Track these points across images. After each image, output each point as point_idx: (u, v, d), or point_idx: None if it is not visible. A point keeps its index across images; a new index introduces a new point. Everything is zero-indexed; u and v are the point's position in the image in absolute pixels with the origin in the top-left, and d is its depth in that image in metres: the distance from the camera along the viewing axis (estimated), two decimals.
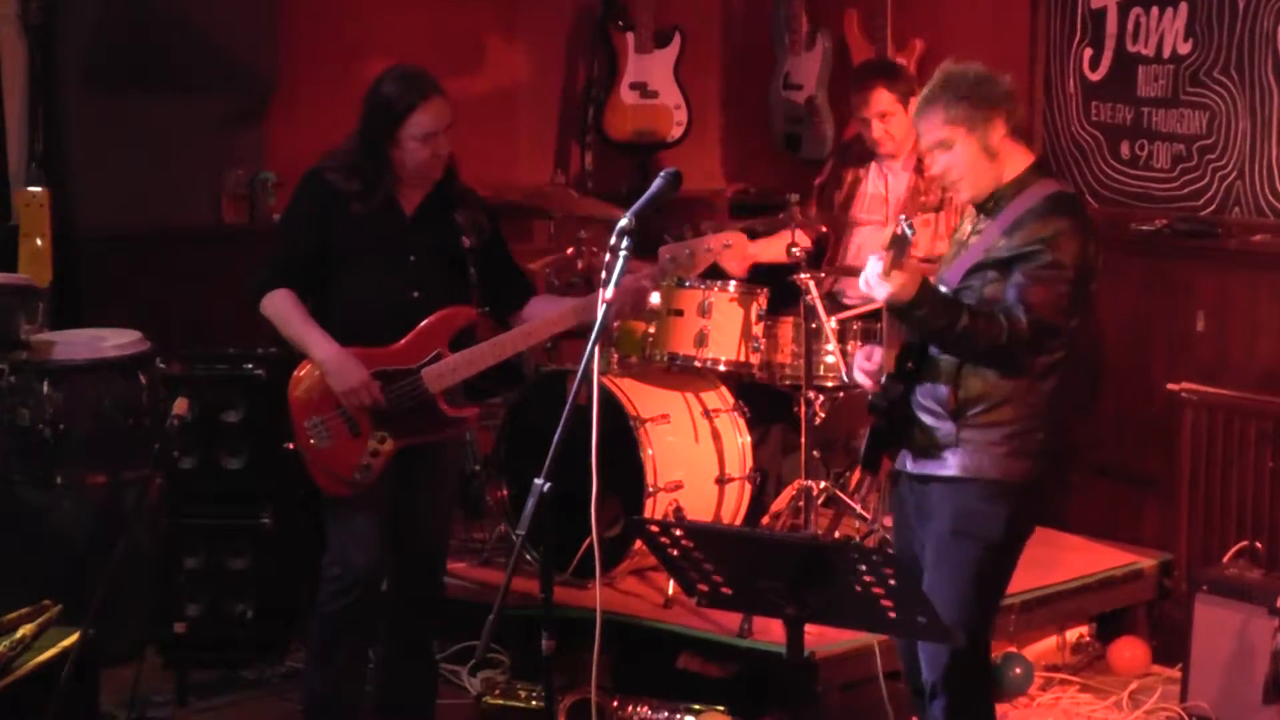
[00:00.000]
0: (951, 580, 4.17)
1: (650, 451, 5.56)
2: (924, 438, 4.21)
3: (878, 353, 4.31)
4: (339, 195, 4.64)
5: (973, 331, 4.04)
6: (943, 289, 4.17)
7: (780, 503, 5.88)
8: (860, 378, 4.35)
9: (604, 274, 3.93)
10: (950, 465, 4.18)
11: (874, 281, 4.05)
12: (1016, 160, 4.19)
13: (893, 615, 3.64)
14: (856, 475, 5.93)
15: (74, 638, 4.43)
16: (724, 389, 5.95)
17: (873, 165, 6.20)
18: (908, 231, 3.99)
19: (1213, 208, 6.06)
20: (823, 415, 5.70)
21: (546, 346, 6.03)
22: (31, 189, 5.98)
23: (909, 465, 4.27)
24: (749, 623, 5.26)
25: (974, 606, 4.20)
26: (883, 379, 4.25)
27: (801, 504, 5.66)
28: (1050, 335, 4.10)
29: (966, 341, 4.08)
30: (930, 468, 4.22)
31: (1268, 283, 5.90)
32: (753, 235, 5.98)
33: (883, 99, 5.98)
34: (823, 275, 6.00)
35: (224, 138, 6.66)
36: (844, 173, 6.30)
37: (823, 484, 5.70)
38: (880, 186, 6.15)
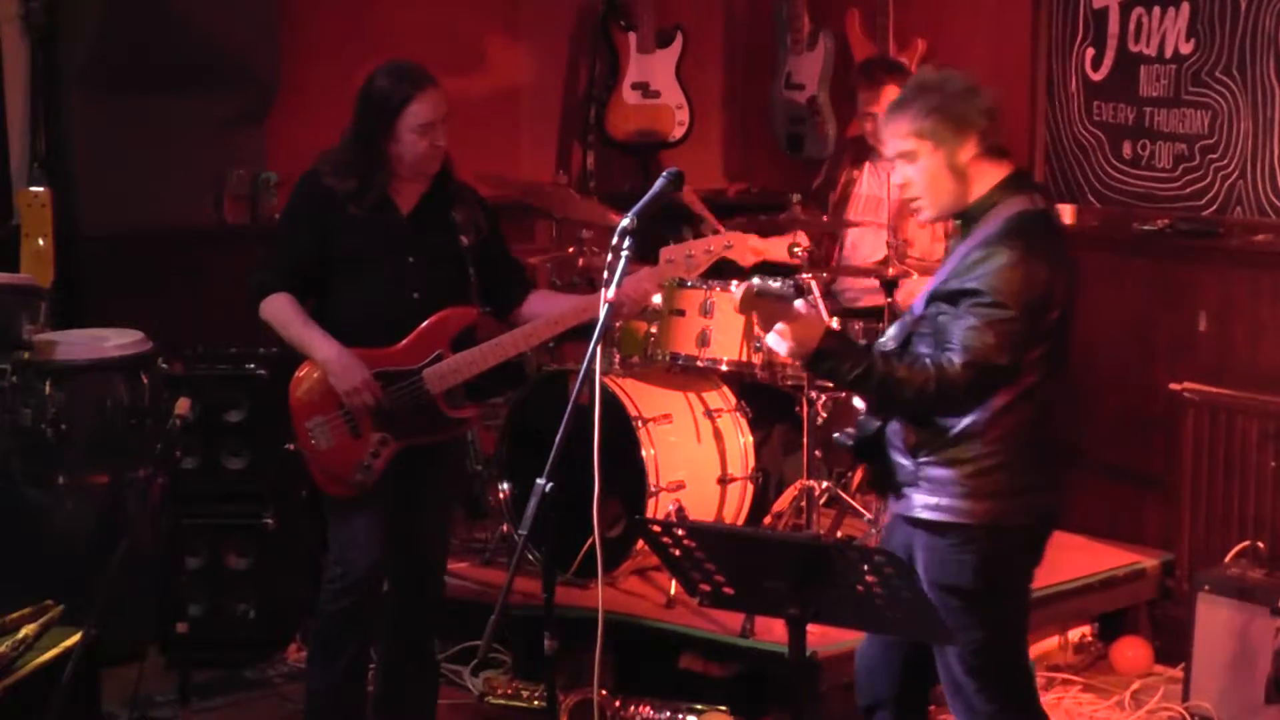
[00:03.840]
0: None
1: (652, 451, 5.57)
2: (893, 476, 4.02)
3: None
4: (336, 197, 4.64)
5: (892, 381, 3.83)
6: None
7: (782, 503, 5.87)
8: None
9: (605, 274, 3.93)
10: (913, 505, 3.97)
11: (772, 341, 3.87)
12: (988, 179, 3.93)
13: (894, 615, 3.64)
14: (858, 475, 5.92)
15: (76, 638, 4.43)
16: (726, 389, 5.95)
17: (867, 166, 6.21)
18: (770, 285, 3.76)
19: (1215, 208, 6.06)
20: (825, 415, 5.69)
21: (548, 346, 6.03)
22: (34, 189, 5.98)
23: (890, 504, 4.11)
24: (751, 623, 5.26)
25: (975, 658, 3.98)
26: (860, 415, 4.10)
27: (804, 504, 5.66)
28: (992, 376, 3.83)
29: (888, 392, 3.86)
30: (901, 507, 4.04)
31: (1270, 282, 5.90)
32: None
33: (893, 95, 5.96)
34: (825, 275, 6.01)
35: (226, 137, 6.66)
36: (838, 174, 6.30)
37: (825, 484, 5.70)
38: (876, 188, 6.15)
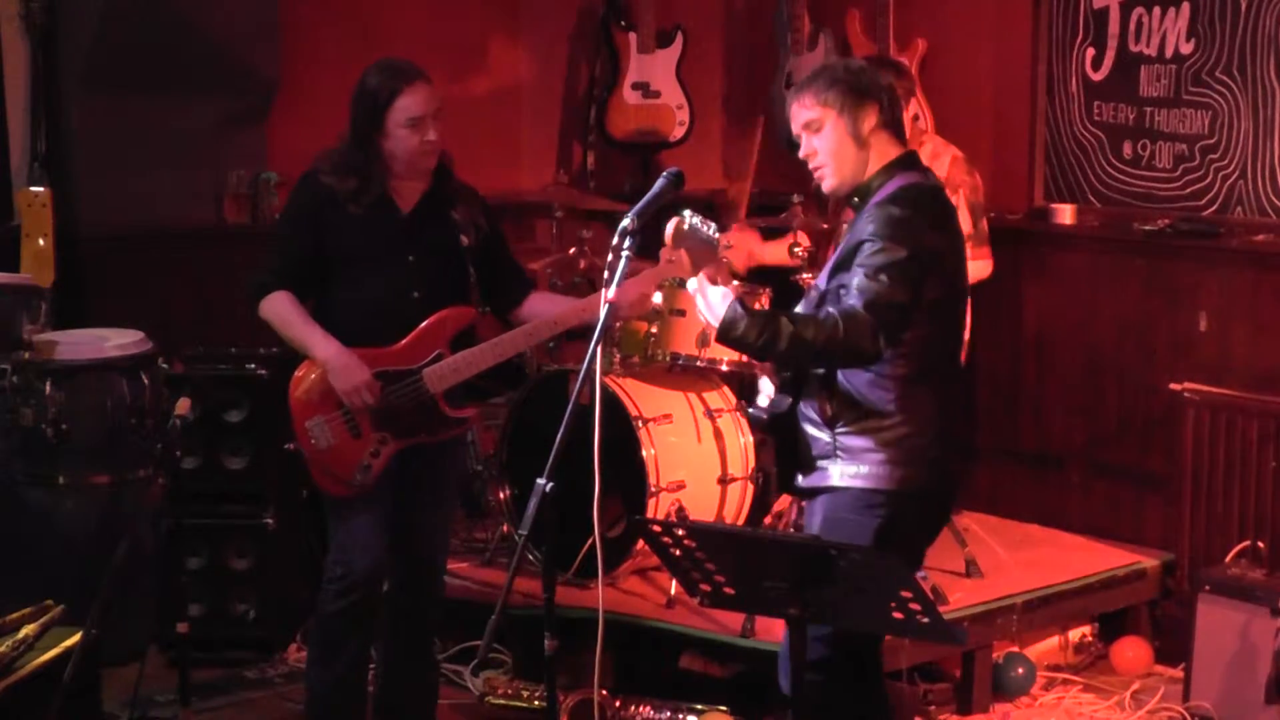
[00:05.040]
0: None
1: (652, 451, 5.56)
2: (807, 451, 4.10)
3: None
4: (335, 197, 4.64)
5: (800, 340, 3.90)
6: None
7: (783, 503, 5.86)
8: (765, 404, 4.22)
9: (606, 274, 3.93)
10: (829, 476, 4.05)
11: (690, 288, 4.00)
12: (884, 154, 4.09)
13: (895, 615, 3.64)
14: None
15: (76, 638, 4.43)
16: (726, 389, 5.95)
17: None
18: (698, 225, 3.89)
19: (1215, 208, 6.06)
20: None
21: (548, 346, 6.03)
22: (34, 189, 5.96)
23: (799, 480, 4.16)
24: (751, 623, 5.26)
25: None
26: (772, 394, 4.16)
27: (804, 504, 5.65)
28: (894, 314, 3.89)
29: (798, 349, 3.92)
30: (814, 480, 4.10)
31: (1270, 282, 5.90)
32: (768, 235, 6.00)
33: None
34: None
35: (226, 137, 6.66)
36: None
37: None
38: None
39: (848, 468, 4.03)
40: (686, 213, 3.94)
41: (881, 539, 3.99)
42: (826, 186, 4.18)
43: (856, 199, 4.13)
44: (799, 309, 4.19)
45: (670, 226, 3.98)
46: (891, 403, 4.01)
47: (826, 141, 4.10)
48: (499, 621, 3.71)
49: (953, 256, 4.09)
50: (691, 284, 4.00)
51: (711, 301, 3.98)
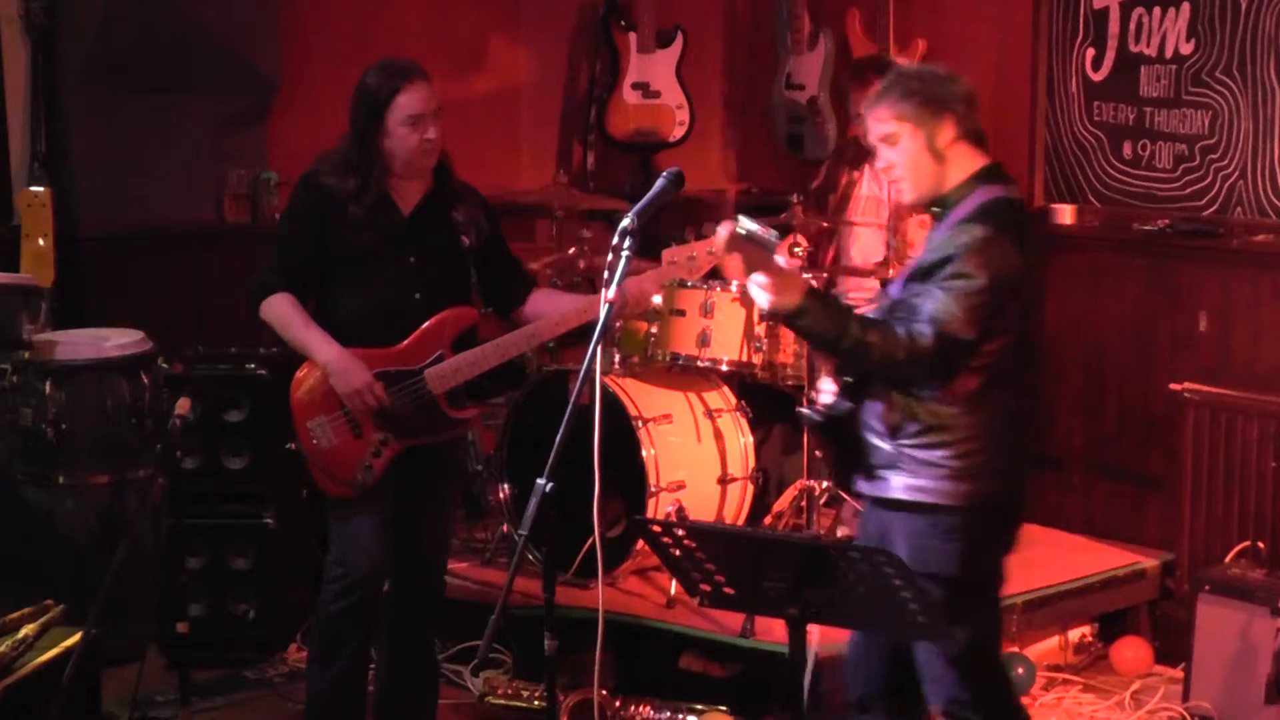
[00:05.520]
0: None
1: (652, 451, 5.56)
2: (869, 458, 4.05)
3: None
4: (335, 197, 4.64)
5: (864, 344, 3.88)
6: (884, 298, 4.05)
7: (782, 503, 5.88)
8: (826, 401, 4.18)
9: (606, 274, 3.93)
10: (892, 487, 4.00)
11: (753, 291, 3.92)
12: (966, 165, 4.03)
13: (895, 615, 3.64)
14: None
15: (76, 637, 4.43)
16: (726, 389, 5.95)
17: (867, 167, 6.21)
18: (755, 229, 3.81)
19: (1215, 208, 6.06)
20: None
21: (548, 347, 6.03)
22: (34, 189, 5.98)
23: (861, 486, 4.13)
24: (751, 623, 5.26)
25: (958, 648, 3.98)
26: (833, 396, 4.11)
27: (804, 504, 5.66)
28: (958, 351, 3.87)
29: (860, 355, 3.91)
30: (877, 488, 4.06)
31: (1270, 283, 5.90)
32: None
33: None
34: (824, 275, 6.00)
35: (226, 137, 6.66)
36: (839, 175, 6.30)
37: (825, 484, 5.70)
38: (876, 189, 6.15)
39: (911, 480, 3.98)
40: (741, 218, 3.85)
41: (966, 563, 3.97)
42: (906, 199, 4.16)
43: (937, 209, 4.07)
44: (870, 311, 4.16)
45: (723, 231, 3.85)
46: (956, 416, 3.95)
47: (904, 155, 4.03)
48: (499, 621, 3.70)
49: (1032, 270, 4.03)
50: (758, 277, 3.89)
51: (785, 285, 3.89)
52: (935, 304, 3.87)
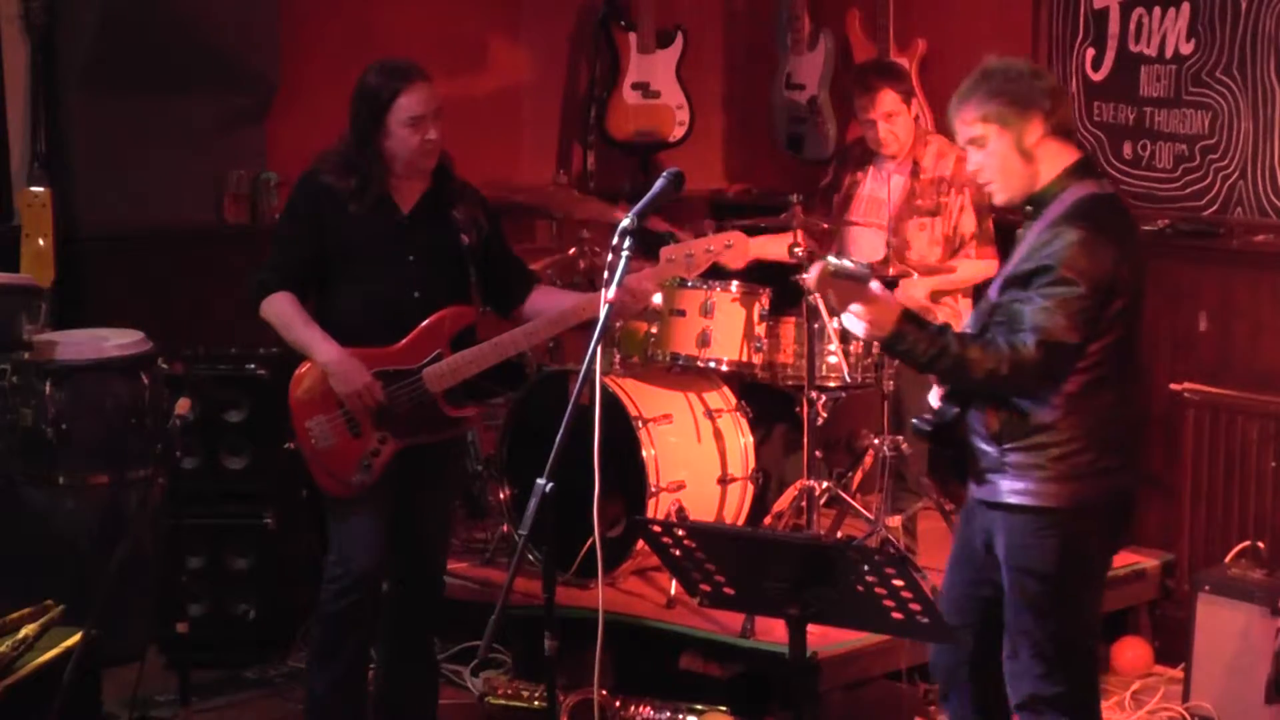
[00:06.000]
0: (1017, 617, 4.03)
1: (652, 452, 5.56)
2: (976, 463, 4.06)
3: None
4: (335, 196, 4.64)
5: (965, 361, 3.89)
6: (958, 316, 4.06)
7: (783, 503, 5.87)
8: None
9: (606, 274, 3.93)
10: (999, 491, 4.01)
11: (849, 322, 3.94)
12: (1057, 161, 3.99)
13: (895, 616, 3.64)
14: (859, 475, 5.93)
15: (76, 638, 4.43)
16: (726, 389, 5.95)
17: (870, 169, 6.21)
18: (845, 265, 3.85)
19: (1215, 208, 6.06)
20: (825, 415, 5.69)
21: (548, 346, 6.03)
22: (34, 189, 5.98)
23: (971, 490, 4.13)
24: (751, 623, 5.26)
25: (1048, 644, 4.01)
26: (938, 402, 4.12)
27: (804, 504, 5.65)
28: (1064, 357, 3.89)
29: (961, 372, 3.93)
30: (986, 492, 4.06)
31: (1270, 283, 5.89)
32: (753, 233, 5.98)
33: (888, 100, 5.99)
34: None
35: (226, 137, 6.65)
36: (842, 176, 6.30)
37: (825, 484, 5.69)
38: (878, 190, 6.15)
39: (1015, 484, 3.99)
40: (830, 257, 3.90)
41: (1063, 561, 3.97)
42: (998, 200, 4.13)
43: (1030, 207, 4.04)
44: (968, 320, 4.18)
45: (814, 270, 3.91)
46: (1059, 419, 3.95)
47: (993, 157, 4.00)
48: (499, 621, 3.70)
49: (1131, 270, 3.96)
50: (854, 308, 3.91)
51: (880, 314, 3.91)
52: (1036, 313, 3.87)
